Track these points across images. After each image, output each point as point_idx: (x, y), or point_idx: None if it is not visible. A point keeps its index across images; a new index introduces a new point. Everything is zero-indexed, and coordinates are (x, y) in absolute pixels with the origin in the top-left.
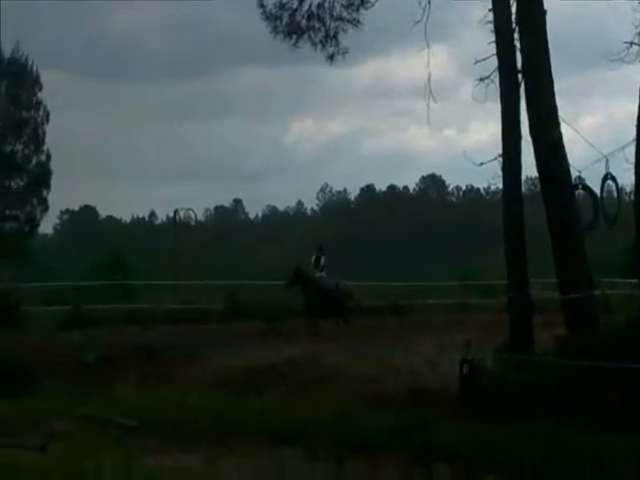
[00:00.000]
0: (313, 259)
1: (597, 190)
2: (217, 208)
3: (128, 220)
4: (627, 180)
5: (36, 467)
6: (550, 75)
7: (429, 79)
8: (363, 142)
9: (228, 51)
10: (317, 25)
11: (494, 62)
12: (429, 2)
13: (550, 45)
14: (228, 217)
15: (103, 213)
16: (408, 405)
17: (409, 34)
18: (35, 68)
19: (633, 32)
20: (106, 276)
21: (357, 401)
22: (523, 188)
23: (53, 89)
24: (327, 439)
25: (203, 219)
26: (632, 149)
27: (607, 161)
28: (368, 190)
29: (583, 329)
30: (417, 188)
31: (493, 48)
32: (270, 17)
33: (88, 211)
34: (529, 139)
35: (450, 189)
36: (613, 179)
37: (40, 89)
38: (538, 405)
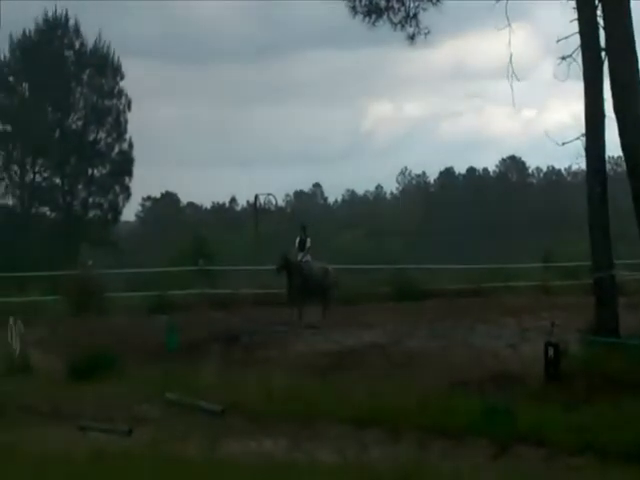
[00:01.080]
0: (297, 241)
1: None
2: (296, 193)
3: (209, 206)
4: None
5: (123, 451)
6: (634, 52)
7: (511, 59)
8: (441, 124)
9: (305, 34)
10: (397, 5)
11: (576, 40)
12: None
13: (634, 21)
14: (307, 202)
15: (184, 200)
16: (492, 389)
17: (489, 13)
18: (117, 57)
19: None
20: (188, 262)
21: (441, 385)
22: (607, 168)
23: (134, 77)
24: (411, 423)
25: (283, 204)
26: None
27: None
28: (447, 173)
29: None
30: (497, 170)
31: (575, 26)
32: None
33: (169, 198)
34: (613, 117)
35: (530, 170)
36: None
37: (122, 78)
38: (624, 388)
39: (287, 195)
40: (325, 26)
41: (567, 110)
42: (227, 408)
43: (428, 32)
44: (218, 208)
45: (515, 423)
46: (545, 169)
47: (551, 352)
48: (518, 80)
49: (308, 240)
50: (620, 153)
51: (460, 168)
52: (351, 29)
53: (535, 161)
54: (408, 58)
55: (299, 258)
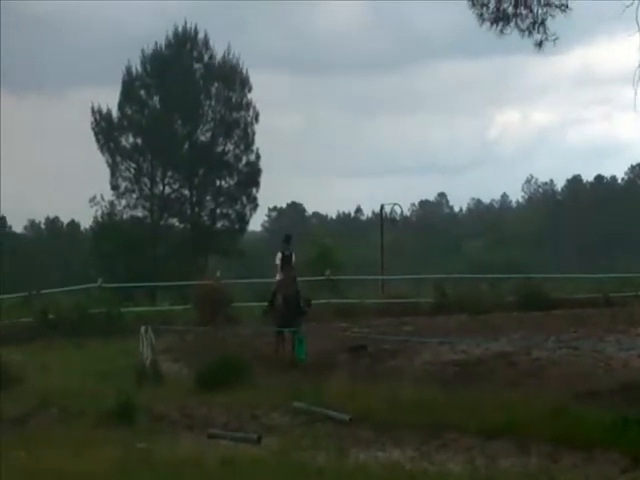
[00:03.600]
0: (279, 258)
1: None
2: (422, 202)
3: (334, 216)
4: None
5: (253, 459)
6: None
7: (639, 65)
8: (568, 132)
9: (432, 44)
10: (524, 12)
11: None
12: None
13: None
14: (433, 211)
15: (310, 209)
16: (622, 399)
17: (618, 19)
18: (245, 69)
19: None
20: (315, 271)
21: (569, 396)
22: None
23: (262, 88)
24: (540, 434)
25: (409, 213)
26: None
27: None
28: (575, 181)
29: None
30: (626, 177)
31: None
32: (476, 4)
33: (295, 208)
34: None
35: None
36: None
37: (250, 90)
38: None
39: (413, 205)
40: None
41: None
42: (355, 417)
43: (556, 38)
44: (344, 218)
45: None
46: None
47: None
48: None
49: (293, 255)
50: None
51: (588, 176)
52: (477, 38)
53: None
54: (535, 66)
55: (279, 278)
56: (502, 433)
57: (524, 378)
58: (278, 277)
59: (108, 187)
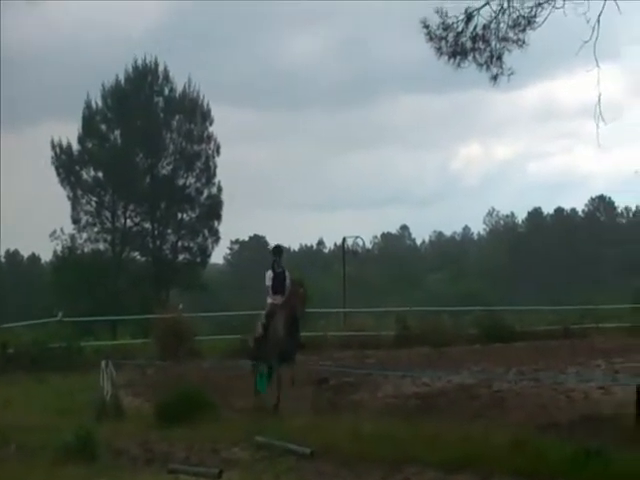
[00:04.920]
0: (269, 277)
1: None
2: (384, 235)
3: (297, 249)
4: None
5: None
6: None
7: (599, 100)
8: (530, 165)
9: (393, 78)
10: (482, 46)
11: None
12: (598, 21)
13: None
14: (395, 244)
15: (272, 242)
16: (583, 431)
17: (577, 54)
18: (206, 102)
19: None
20: None
21: (531, 428)
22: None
23: (224, 122)
24: (501, 467)
25: (371, 246)
26: None
27: None
28: (535, 213)
29: None
30: (586, 210)
31: None
32: (434, 38)
33: (257, 240)
34: None
35: (619, 210)
36: None
37: (211, 123)
38: None
39: (375, 237)
40: (416, 69)
41: None
42: (316, 451)
43: (512, 73)
44: (306, 251)
45: (608, 467)
46: (634, 209)
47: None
48: (605, 123)
49: (287, 274)
50: None
51: (548, 208)
52: (441, 72)
53: (624, 201)
54: (498, 100)
55: (271, 302)
56: (464, 466)
57: (485, 410)
58: (270, 300)
59: (69, 221)
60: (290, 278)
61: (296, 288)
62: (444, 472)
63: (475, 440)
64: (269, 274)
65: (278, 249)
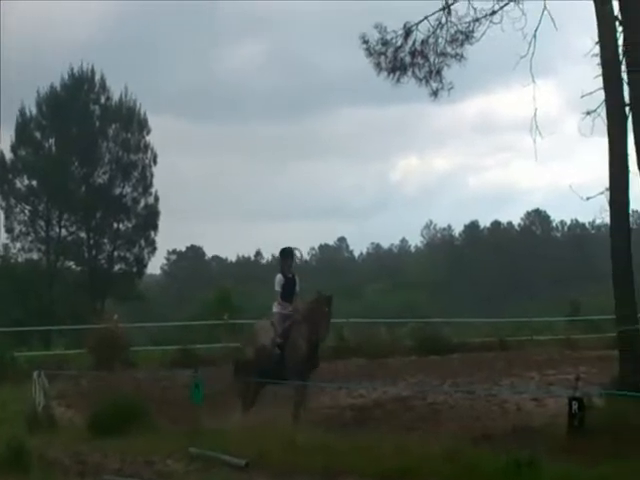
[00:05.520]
0: (279, 283)
1: None
2: (322, 247)
3: (234, 259)
4: None
5: None
6: None
7: (535, 114)
8: (467, 178)
9: (334, 90)
10: (421, 61)
11: (600, 95)
12: (535, 37)
13: None
14: (333, 255)
15: (209, 253)
16: (516, 442)
17: (514, 69)
18: (143, 111)
19: None
20: (213, 316)
21: (465, 439)
22: (631, 222)
23: (161, 131)
24: (435, 478)
25: (308, 258)
26: None
27: None
28: (472, 226)
29: None
30: (522, 223)
31: (599, 81)
32: (373, 53)
33: (194, 251)
34: (637, 172)
35: (555, 224)
36: None
37: (148, 132)
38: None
39: (312, 249)
40: (356, 82)
41: (592, 165)
42: (251, 462)
43: (451, 87)
44: (243, 261)
45: (540, 477)
46: (569, 223)
47: (575, 406)
48: (541, 137)
49: (297, 281)
50: None
51: (485, 222)
52: (381, 84)
53: (560, 215)
54: (437, 113)
55: (277, 310)
56: (398, 477)
57: (420, 422)
58: (277, 309)
59: (2, 230)
60: (319, 296)
61: (322, 307)
62: None
63: (410, 451)
64: (279, 278)
65: (288, 251)
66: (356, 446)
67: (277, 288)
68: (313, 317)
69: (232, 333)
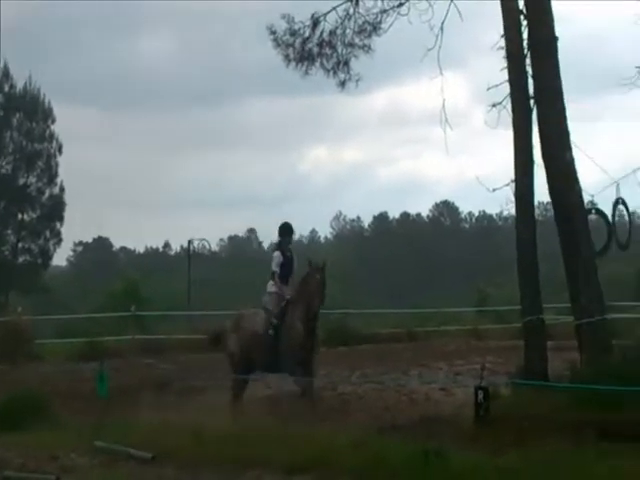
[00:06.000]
0: (277, 262)
1: (609, 215)
2: (231, 237)
3: (142, 251)
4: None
5: None
6: (562, 100)
7: (443, 106)
8: (377, 169)
9: (244, 80)
10: (329, 52)
11: (506, 88)
12: (442, 29)
13: (562, 70)
14: (242, 246)
15: (117, 244)
16: (424, 432)
17: (422, 61)
18: (47, 100)
19: None
20: (120, 307)
21: (373, 429)
22: (536, 213)
23: (66, 121)
24: (343, 468)
25: (217, 249)
26: None
27: (618, 186)
28: (381, 217)
29: (596, 354)
30: (430, 215)
31: (505, 74)
32: (281, 44)
33: (101, 242)
34: (542, 164)
35: (463, 215)
36: (624, 203)
37: (53, 121)
38: (552, 431)
39: (221, 240)
40: (266, 73)
41: (499, 156)
42: (158, 455)
43: (359, 79)
44: (152, 253)
45: (447, 466)
46: (477, 214)
47: (481, 396)
48: (451, 128)
49: (295, 260)
50: (549, 199)
51: (394, 213)
52: (292, 76)
53: (468, 206)
54: (348, 104)
55: (273, 290)
56: (307, 468)
57: (330, 413)
58: (273, 289)
59: None
60: (310, 266)
61: (313, 274)
62: (287, 474)
63: (318, 442)
64: (277, 256)
65: (288, 228)
66: (265, 437)
67: (274, 267)
68: (307, 292)
69: (139, 324)
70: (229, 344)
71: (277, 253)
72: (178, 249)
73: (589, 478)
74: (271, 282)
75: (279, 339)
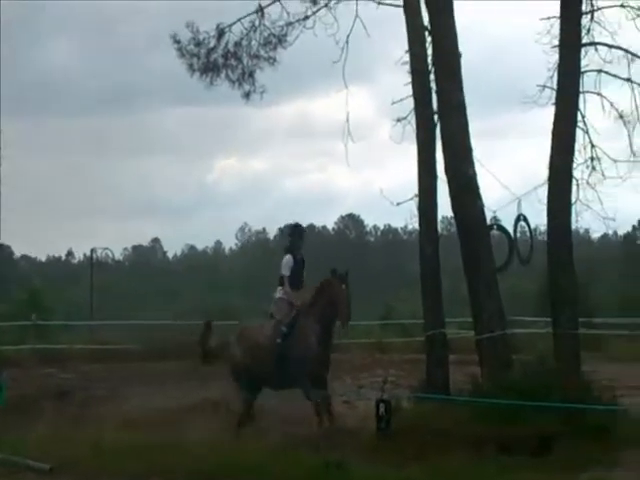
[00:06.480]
0: (288, 265)
1: (511, 230)
2: (135, 247)
3: (44, 259)
4: (541, 220)
5: None
6: (465, 116)
7: (347, 120)
8: (284, 181)
9: (154, 89)
10: (234, 63)
11: (411, 103)
12: (347, 42)
13: (467, 87)
14: (146, 256)
15: (18, 252)
16: (326, 445)
17: (329, 74)
18: None
19: (546, 75)
20: (21, 316)
21: (276, 442)
22: (439, 228)
23: None
24: (248, 478)
25: (121, 258)
26: (544, 190)
27: (520, 202)
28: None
29: (496, 368)
30: (336, 227)
31: (410, 89)
32: (186, 54)
33: (2, 250)
34: (445, 179)
35: (368, 229)
36: (525, 220)
37: None
38: (453, 444)
39: (125, 249)
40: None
41: (405, 170)
42: (56, 466)
43: (264, 91)
44: (54, 261)
45: (348, 478)
46: (382, 227)
47: (382, 409)
48: (353, 141)
49: (305, 263)
50: (452, 214)
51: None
52: (199, 86)
53: (373, 219)
54: (255, 116)
55: (288, 299)
56: (211, 477)
57: (237, 424)
58: (280, 295)
59: None
60: (331, 275)
61: (336, 284)
62: None
63: (227, 452)
64: (288, 259)
65: (299, 229)
66: (167, 448)
67: (284, 272)
68: (324, 301)
69: (40, 334)
70: (233, 356)
71: (288, 256)
72: (81, 257)
73: None
74: (279, 288)
75: (289, 350)
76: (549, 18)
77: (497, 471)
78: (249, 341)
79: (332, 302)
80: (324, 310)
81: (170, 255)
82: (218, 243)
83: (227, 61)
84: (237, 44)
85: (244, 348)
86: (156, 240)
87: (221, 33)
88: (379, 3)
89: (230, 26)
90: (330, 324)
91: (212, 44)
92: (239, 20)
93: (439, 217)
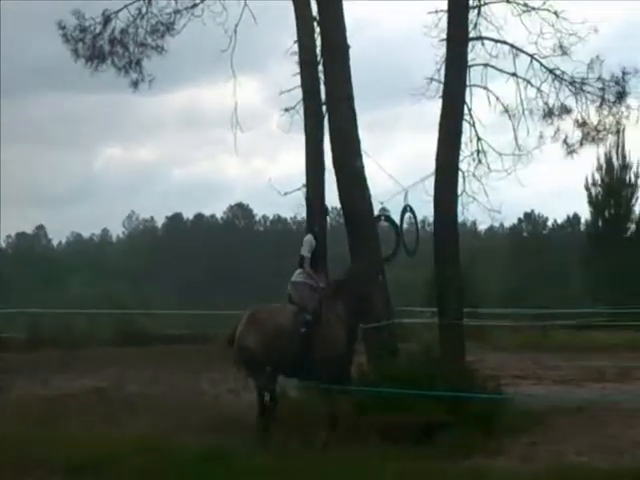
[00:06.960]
0: (309, 247)
1: (398, 221)
2: (19, 235)
3: None
4: (429, 212)
5: None
6: (353, 108)
7: (236, 109)
8: (173, 170)
9: (32, 74)
10: (120, 50)
11: (299, 93)
12: (235, 32)
13: (355, 79)
14: (30, 244)
15: None
16: (212, 434)
17: (219, 63)
18: None
19: (433, 68)
20: None
21: (161, 430)
22: (328, 219)
23: None
24: (130, 469)
25: (4, 245)
26: (432, 182)
27: (407, 193)
28: (175, 218)
29: (382, 357)
30: (225, 217)
31: (299, 79)
32: (71, 40)
33: None
34: (332, 170)
35: (257, 218)
36: (412, 211)
37: None
38: (339, 434)
39: (9, 236)
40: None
41: (294, 161)
42: None
43: (152, 79)
44: None
45: (231, 466)
46: (272, 217)
47: (267, 397)
48: (242, 131)
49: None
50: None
51: (188, 214)
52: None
53: (263, 209)
54: (144, 103)
55: (303, 280)
56: (92, 469)
57: (118, 413)
58: (302, 278)
59: None
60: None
61: (373, 276)
62: (71, 475)
63: (104, 443)
64: (309, 240)
65: (325, 208)
66: (48, 438)
67: (306, 253)
68: (354, 291)
69: None
70: (244, 341)
71: (309, 237)
72: None
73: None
74: (299, 270)
75: (315, 342)
76: (437, 12)
77: (381, 459)
78: (264, 327)
79: (363, 295)
80: (351, 304)
81: (55, 243)
82: (105, 231)
83: (113, 48)
84: (123, 31)
85: (257, 335)
86: (40, 227)
87: (107, 20)
88: None
89: (117, 13)
90: (359, 320)
91: (98, 30)
92: (125, 7)
93: (330, 207)
